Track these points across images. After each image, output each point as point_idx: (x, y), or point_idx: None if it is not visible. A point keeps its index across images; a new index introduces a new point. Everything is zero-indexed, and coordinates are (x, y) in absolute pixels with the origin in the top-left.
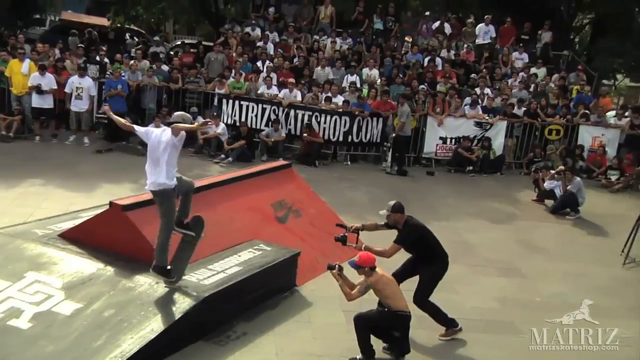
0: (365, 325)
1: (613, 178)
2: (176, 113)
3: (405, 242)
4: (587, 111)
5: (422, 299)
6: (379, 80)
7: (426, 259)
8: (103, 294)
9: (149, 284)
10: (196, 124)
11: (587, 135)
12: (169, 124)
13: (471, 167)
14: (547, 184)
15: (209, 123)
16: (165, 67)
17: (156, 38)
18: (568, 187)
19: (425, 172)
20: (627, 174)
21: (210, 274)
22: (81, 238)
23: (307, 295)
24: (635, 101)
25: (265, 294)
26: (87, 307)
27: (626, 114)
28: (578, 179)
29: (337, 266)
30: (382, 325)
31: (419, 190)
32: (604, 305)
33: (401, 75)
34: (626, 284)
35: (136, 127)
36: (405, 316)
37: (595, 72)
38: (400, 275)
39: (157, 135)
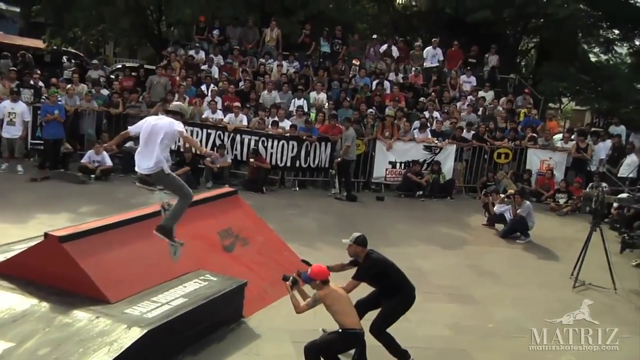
0: (315, 353)
1: (561, 201)
2: (175, 102)
3: (364, 277)
4: (534, 134)
5: (378, 329)
6: (327, 104)
7: (389, 293)
8: (37, 331)
9: (88, 319)
10: (204, 150)
11: (535, 159)
12: (168, 112)
13: (421, 192)
14: (497, 208)
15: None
16: (105, 91)
17: (94, 61)
18: (518, 211)
19: (374, 197)
20: (575, 197)
21: (154, 306)
22: (14, 272)
23: (255, 326)
24: (581, 124)
25: (212, 326)
26: (19, 347)
27: (572, 137)
28: (528, 202)
29: (291, 278)
30: (335, 349)
31: (369, 215)
32: (552, 329)
33: (349, 99)
34: (576, 307)
35: (129, 128)
36: (355, 334)
37: (542, 95)
38: (365, 305)
39: (151, 122)
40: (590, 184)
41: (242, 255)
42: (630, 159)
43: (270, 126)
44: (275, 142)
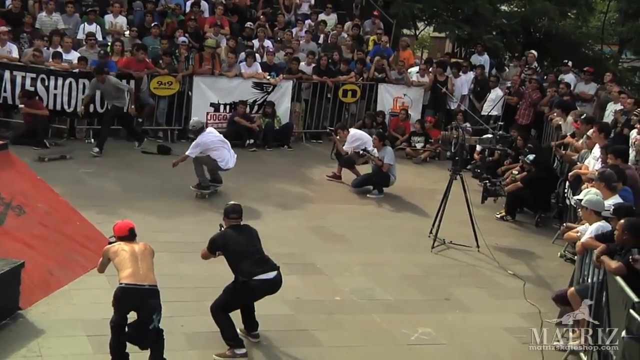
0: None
1: (418, 146)
2: None
3: (211, 249)
4: (386, 66)
5: (214, 306)
6: (128, 31)
7: (233, 270)
8: None
9: None
10: None
11: (388, 96)
12: None
13: (252, 140)
14: (348, 146)
15: None
16: None
17: None
18: (380, 158)
19: None
20: (433, 140)
21: None
22: None
23: (36, 319)
24: (441, 55)
25: None
26: None
27: (430, 69)
28: (389, 147)
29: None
30: (117, 306)
31: (188, 171)
32: (408, 299)
33: (158, 25)
34: (435, 271)
35: None
36: (133, 289)
37: (393, 19)
38: None
39: None
40: (450, 125)
41: (16, 229)
42: (495, 93)
43: (51, 59)
44: (60, 81)
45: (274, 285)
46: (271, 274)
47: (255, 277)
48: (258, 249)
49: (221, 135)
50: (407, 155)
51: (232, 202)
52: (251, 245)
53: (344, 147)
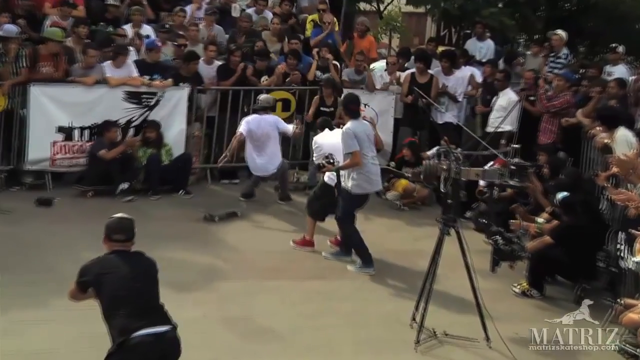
0: None
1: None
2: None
3: (81, 283)
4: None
5: None
6: None
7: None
8: None
9: None
10: None
11: None
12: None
13: (126, 184)
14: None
15: None
16: None
17: None
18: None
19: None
20: (412, 171)
21: None
22: None
23: None
24: (420, 41)
25: None
26: None
27: (404, 64)
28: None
29: None
30: None
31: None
32: None
33: None
34: None
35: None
36: None
37: None
38: None
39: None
40: (436, 148)
41: None
42: (505, 97)
43: None
44: None
45: (165, 346)
46: (160, 328)
47: (136, 334)
48: (147, 290)
49: (282, 125)
50: (383, 192)
51: (119, 215)
52: (136, 283)
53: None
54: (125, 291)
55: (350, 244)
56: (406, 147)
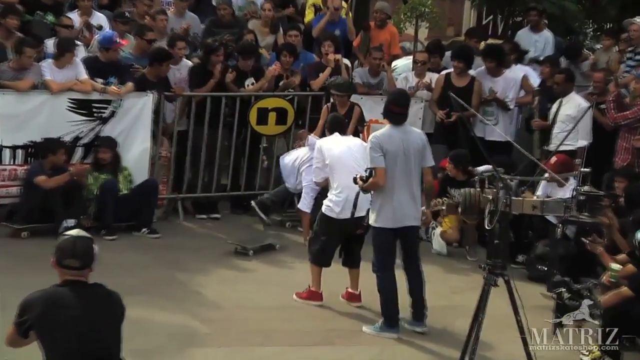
0: None
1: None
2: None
3: (19, 325)
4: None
5: None
6: None
7: None
8: None
9: None
10: None
11: None
12: None
13: (72, 221)
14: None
15: None
16: None
17: None
18: None
19: None
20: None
21: None
22: None
23: None
24: (456, 32)
25: None
26: None
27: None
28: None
29: None
30: None
31: None
32: None
33: None
34: None
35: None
36: None
37: None
38: None
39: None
40: (479, 174)
41: None
42: (572, 104)
43: None
44: None
45: None
46: None
47: None
48: (106, 344)
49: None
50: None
51: (74, 233)
52: (91, 330)
53: (317, 180)
54: (76, 343)
55: (379, 292)
56: (449, 160)
